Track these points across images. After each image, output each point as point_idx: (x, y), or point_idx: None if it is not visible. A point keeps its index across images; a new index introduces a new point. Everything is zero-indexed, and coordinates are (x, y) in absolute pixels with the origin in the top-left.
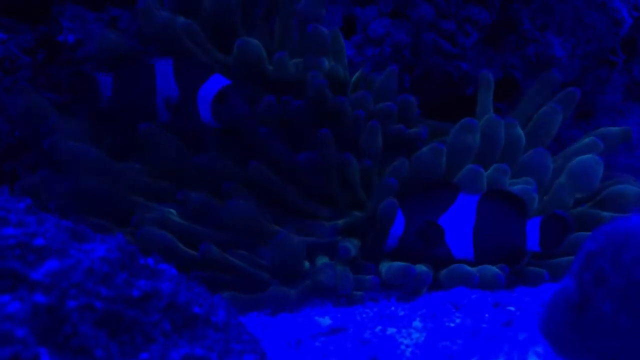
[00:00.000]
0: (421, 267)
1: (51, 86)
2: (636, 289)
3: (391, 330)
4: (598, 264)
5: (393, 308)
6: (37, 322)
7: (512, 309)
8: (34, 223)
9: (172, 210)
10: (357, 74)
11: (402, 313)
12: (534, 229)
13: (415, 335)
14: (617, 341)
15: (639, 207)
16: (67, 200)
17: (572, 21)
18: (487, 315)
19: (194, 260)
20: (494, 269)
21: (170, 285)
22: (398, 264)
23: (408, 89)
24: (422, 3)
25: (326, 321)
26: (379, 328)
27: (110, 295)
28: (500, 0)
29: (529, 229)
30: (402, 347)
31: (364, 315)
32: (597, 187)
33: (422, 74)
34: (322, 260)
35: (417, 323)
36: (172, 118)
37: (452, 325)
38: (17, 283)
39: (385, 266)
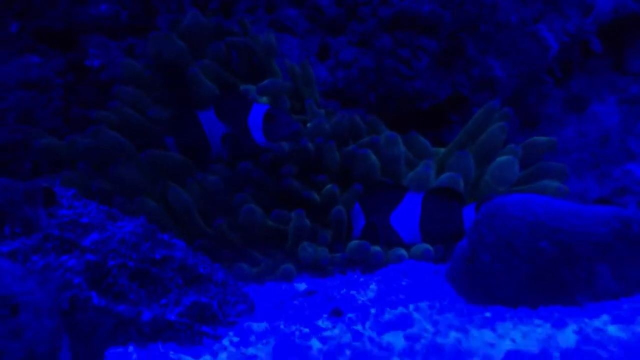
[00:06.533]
0: (376, 248)
1: (80, 103)
2: (502, 243)
3: (353, 292)
4: (480, 227)
5: (356, 277)
6: (89, 274)
7: None
8: (80, 206)
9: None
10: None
11: (362, 280)
12: (470, 213)
13: (371, 294)
14: (493, 280)
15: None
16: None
17: (509, 47)
18: (427, 278)
19: (203, 232)
20: (426, 245)
21: (181, 253)
22: (356, 242)
23: (374, 104)
24: (382, 35)
25: (302, 286)
26: (343, 290)
27: (139, 257)
28: (448, 32)
29: (465, 214)
30: (359, 301)
31: (334, 283)
32: (514, 180)
33: (384, 92)
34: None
35: (373, 286)
36: (229, 150)
37: (398, 286)
38: (72, 248)
39: (348, 245)
